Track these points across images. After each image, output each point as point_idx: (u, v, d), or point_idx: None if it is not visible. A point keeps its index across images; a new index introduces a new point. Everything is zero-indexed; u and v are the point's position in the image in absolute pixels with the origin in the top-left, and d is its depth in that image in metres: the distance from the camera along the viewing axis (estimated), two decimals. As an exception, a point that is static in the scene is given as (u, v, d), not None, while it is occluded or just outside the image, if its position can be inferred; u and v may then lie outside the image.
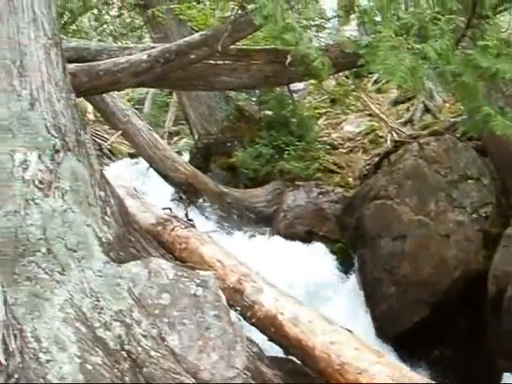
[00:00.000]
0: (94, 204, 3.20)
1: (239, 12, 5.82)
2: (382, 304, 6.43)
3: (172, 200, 8.70)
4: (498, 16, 5.03)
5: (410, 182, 6.46)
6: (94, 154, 3.54)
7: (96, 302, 2.89)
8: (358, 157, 9.23)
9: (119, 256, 3.18)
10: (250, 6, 5.05)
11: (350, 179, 8.45)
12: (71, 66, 6.05)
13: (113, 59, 6.03)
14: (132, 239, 3.42)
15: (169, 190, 9.13)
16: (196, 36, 6.10)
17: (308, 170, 8.45)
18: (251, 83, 6.80)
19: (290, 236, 7.45)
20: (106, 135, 11.73)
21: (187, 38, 6.11)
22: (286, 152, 8.73)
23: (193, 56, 6.02)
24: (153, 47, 6.38)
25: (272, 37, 5.56)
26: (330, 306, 6.73)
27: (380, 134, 9.48)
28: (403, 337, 6.35)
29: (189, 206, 8.54)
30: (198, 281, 3.02)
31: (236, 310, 3.78)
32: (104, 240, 3.15)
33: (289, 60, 5.97)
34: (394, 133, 9.10)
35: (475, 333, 6.11)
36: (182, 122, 12.18)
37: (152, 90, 12.71)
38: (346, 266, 7.15)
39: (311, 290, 6.85)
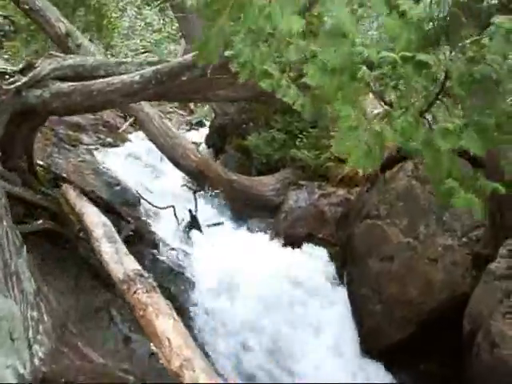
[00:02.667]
0: (19, 337, 3.39)
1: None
2: (368, 320, 6.59)
3: (183, 185, 8.89)
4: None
5: (402, 203, 6.48)
6: (28, 276, 3.70)
7: None
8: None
9: (52, 369, 3.41)
10: (227, 53, 5.00)
11: (360, 170, 8.41)
12: (65, 86, 6.19)
13: (106, 79, 6.09)
14: (65, 351, 3.63)
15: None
16: (188, 57, 6.08)
17: (318, 160, 8.46)
18: (248, 96, 6.79)
19: (290, 237, 7.58)
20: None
21: (179, 59, 6.11)
22: (299, 139, 8.74)
23: (184, 78, 6.02)
24: (149, 62, 6.40)
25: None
26: (323, 311, 6.95)
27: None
28: (388, 352, 6.52)
29: (199, 191, 8.73)
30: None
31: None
32: (27, 373, 3.33)
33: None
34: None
35: (460, 352, 6.20)
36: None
37: (179, 51, 12.62)
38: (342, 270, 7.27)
39: (306, 294, 7.04)
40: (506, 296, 5.49)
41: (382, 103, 5.52)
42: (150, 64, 6.33)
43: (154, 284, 4.56)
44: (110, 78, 6.12)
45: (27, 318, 3.51)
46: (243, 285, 6.73)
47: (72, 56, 6.42)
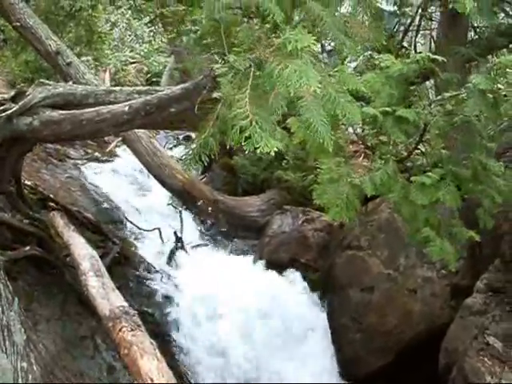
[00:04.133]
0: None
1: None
2: (348, 348, 6.73)
3: (169, 204, 8.97)
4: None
5: (383, 235, 6.62)
6: (19, 328, 3.81)
7: None
8: (358, 163, 9.22)
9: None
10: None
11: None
12: (55, 115, 6.26)
13: (96, 109, 6.15)
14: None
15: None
16: (177, 89, 6.15)
17: (303, 182, 8.56)
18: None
19: (273, 261, 7.69)
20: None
21: (168, 91, 6.18)
22: (285, 160, 8.85)
23: (173, 109, 6.09)
24: (137, 91, 6.47)
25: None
26: (303, 338, 7.08)
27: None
28: (367, 379, 6.67)
29: (185, 210, 8.83)
30: None
31: None
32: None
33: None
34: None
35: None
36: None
37: (169, 63, 12.69)
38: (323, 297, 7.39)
39: (288, 320, 7.15)
40: (480, 332, 5.64)
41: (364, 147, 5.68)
42: (139, 93, 6.41)
43: (139, 322, 4.67)
44: (99, 108, 6.18)
45: (17, 369, 3.64)
46: (226, 311, 6.85)
47: (62, 84, 6.47)
